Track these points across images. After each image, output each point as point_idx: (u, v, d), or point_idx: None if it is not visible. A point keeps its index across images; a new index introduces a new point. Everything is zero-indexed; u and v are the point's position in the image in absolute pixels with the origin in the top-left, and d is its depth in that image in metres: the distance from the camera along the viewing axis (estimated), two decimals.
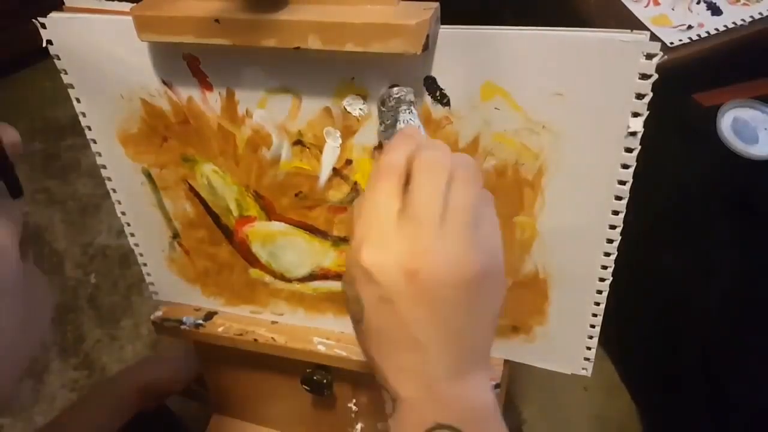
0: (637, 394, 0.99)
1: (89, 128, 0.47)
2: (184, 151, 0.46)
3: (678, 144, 0.75)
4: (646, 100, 0.34)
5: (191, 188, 0.48)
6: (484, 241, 0.30)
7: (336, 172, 0.43)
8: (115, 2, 0.42)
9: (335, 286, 0.49)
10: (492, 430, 0.31)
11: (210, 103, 0.43)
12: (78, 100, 0.46)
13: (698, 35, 0.71)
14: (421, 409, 0.30)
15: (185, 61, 0.41)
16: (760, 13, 0.72)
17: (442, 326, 0.30)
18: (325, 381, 0.54)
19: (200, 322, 0.55)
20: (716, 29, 0.72)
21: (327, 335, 0.52)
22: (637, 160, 0.36)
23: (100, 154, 0.49)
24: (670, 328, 0.86)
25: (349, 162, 0.42)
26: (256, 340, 0.52)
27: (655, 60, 0.33)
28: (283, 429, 0.65)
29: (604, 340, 0.46)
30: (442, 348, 0.30)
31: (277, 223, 0.47)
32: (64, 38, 0.43)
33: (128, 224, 0.53)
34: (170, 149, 0.46)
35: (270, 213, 0.47)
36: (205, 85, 0.42)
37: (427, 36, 0.34)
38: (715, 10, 0.74)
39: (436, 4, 0.35)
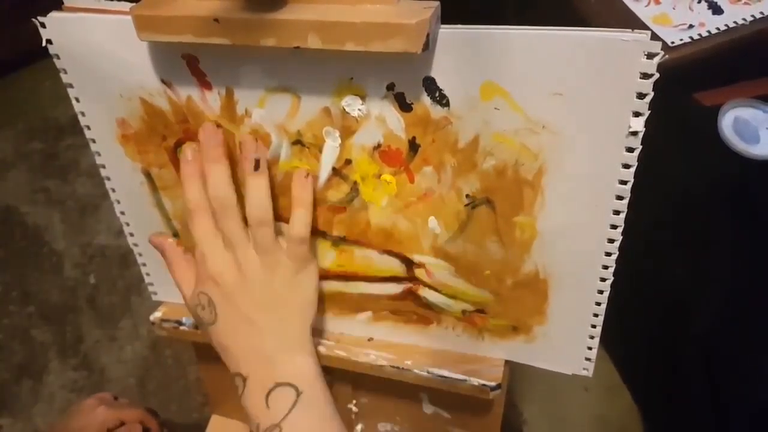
0: (637, 395, 0.99)
1: (88, 128, 0.47)
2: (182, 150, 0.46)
3: (679, 143, 0.74)
4: (647, 99, 0.34)
5: None
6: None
7: (335, 172, 0.43)
8: (115, 2, 0.41)
9: (335, 286, 0.49)
10: (319, 387, 0.43)
11: (209, 102, 0.43)
12: (77, 100, 0.46)
13: (699, 34, 0.71)
14: (263, 376, 0.41)
15: (184, 61, 0.41)
16: (762, 13, 0.72)
17: (267, 313, 0.43)
18: None
19: None
20: (717, 28, 0.72)
21: (327, 336, 0.52)
22: (637, 160, 0.36)
23: (99, 154, 0.49)
24: (671, 328, 0.85)
25: (348, 162, 0.42)
26: None
27: (656, 59, 0.33)
28: None
29: (605, 340, 0.46)
30: (272, 330, 0.43)
31: (277, 222, 0.47)
32: (63, 38, 0.43)
33: (127, 224, 0.53)
34: (170, 148, 0.46)
35: None
36: (204, 84, 0.42)
37: (428, 35, 0.33)
38: (716, 10, 0.74)
39: (437, 4, 0.34)
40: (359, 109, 0.40)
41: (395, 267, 0.47)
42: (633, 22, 0.74)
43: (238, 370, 0.42)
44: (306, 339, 0.44)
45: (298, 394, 0.40)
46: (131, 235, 0.53)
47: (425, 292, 0.47)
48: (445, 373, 0.49)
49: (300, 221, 0.43)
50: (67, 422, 0.58)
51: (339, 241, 0.47)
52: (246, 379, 0.42)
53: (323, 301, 0.51)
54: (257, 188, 0.42)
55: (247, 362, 0.42)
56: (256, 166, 0.42)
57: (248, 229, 0.43)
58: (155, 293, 0.57)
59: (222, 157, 0.42)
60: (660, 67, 0.33)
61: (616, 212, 0.38)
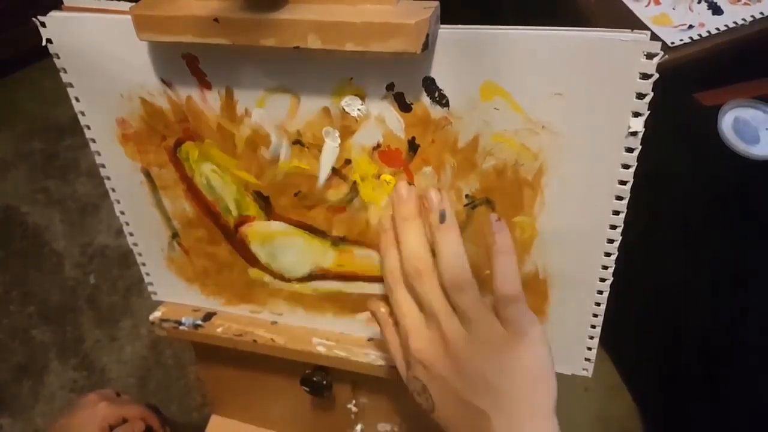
0: (637, 395, 0.99)
1: (88, 127, 0.47)
2: (182, 150, 0.46)
3: (679, 144, 0.74)
4: (647, 99, 0.34)
5: (190, 188, 0.48)
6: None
7: (335, 171, 0.43)
8: (115, 1, 0.41)
9: (335, 286, 0.49)
10: None
11: (209, 102, 0.43)
12: (77, 99, 0.46)
13: (699, 35, 0.71)
14: None
15: (184, 60, 0.41)
16: (761, 13, 0.72)
17: (488, 395, 0.36)
18: (324, 382, 0.54)
19: (199, 322, 0.55)
20: (717, 29, 0.72)
21: (327, 336, 0.52)
22: (637, 160, 0.36)
23: (99, 153, 0.49)
24: (671, 328, 0.85)
25: (348, 162, 0.42)
26: (255, 341, 0.52)
27: (656, 60, 0.33)
28: (282, 430, 0.65)
29: (605, 340, 0.46)
30: (497, 414, 0.35)
31: (276, 222, 0.47)
32: (63, 37, 0.43)
33: (127, 224, 0.53)
34: (169, 148, 0.46)
35: (269, 213, 0.47)
36: (204, 84, 0.42)
37: (427, 35, 0.33)
38: (716, 10, 0.74)
39: (436, 4, 0.34)
40: (359, 109, 0.40)
41: None
42: (633, 22, 0.74)
43: None
44: (542, 416, 0.36)
45: None
46: (131, 234, 0.53)
47: None
48: None
49: (507, 274, 0.37)
50: (68, 417, 0.58)
51: (339, 241, 0.47)
52: None
53: (323, 300, 0.51)
54: (449, 244, 0.37)
55: None
56: (442, 219, 0.37)
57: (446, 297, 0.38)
58: (155, 293, 0.57)
59: (417, 215, 0.38)
60: (660, 68, 0.33)
61: (616, 212, 0.38)
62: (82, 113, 0.47)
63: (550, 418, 0.36)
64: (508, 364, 0.36)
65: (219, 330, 0.54)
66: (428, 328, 0.38)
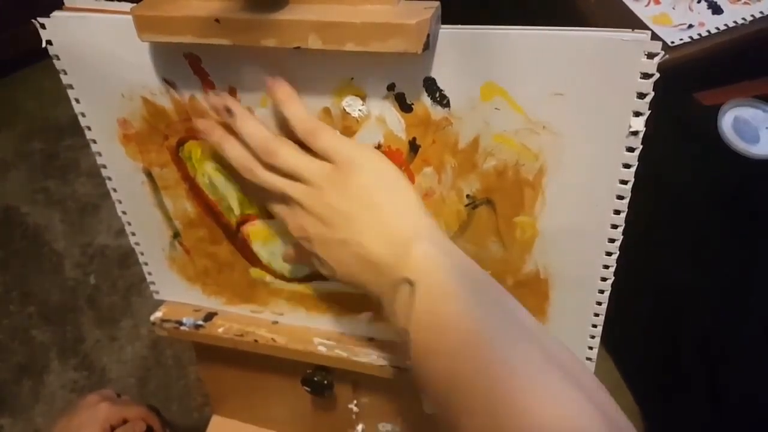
0: (638, 394, 0.99)
1: (89, 128, 0.47)
2: (185, 149, 0.46)
3: (679, 143, 0.74)
4: (648, 99, 0.34)
5: (192, 187, 0.48)
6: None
7: None
8: (115, 2, 0.41)
9: (336, 286, 0.49)
10: (439, 268, 0.35)
11: None
12: (77, 101, 0.46)
13: (699, 34, 0.71)
14: (385, 287, 0.37)
15: (186, 60, 0.41)
16: (761, 12, 0.72)
17: (353, 226, 0.37)
18: (325, 382, 0.54)
19: (200, 323, 0.55)
20: (717, 28, 0.72)
21: (327, 336, 0.52)
22: (638, 160, 0.36)
23: (100, 154, 0.49)
24: (671, 328, 0.86)
25: None
26: (256, 341, 0.52)
27: (656, 59, 0.33)
28: (283, 430, 0.65)
29: (606, 340, 0.46)
30: (369, 237, 0.37)
31: (278, 222, 0.47)
32: (64, 38, 0.43)
33: (129, 224, 0.53)
34: (171, 148, 0.46)
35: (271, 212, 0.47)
36: (207, 83, 0.42)
37: (428, 35, 0.33)
38: (716, 9, 0.74)
39: (437, 4, 0.34)
40: (360, 110, 0.40)
41: None
42: (633, 22, 0.74)
43: (375, 295, 0.38)
44: (410, 225, 0.37)
45: (412, 286, 0.35)
46: (133, 234, 0.53)
47: None
48: None
49: (297, 114, 0.39)
50: (69, 418, 0.58)
51: None
52: (381, 299, 0.38)
53: (324, 300, 0.51)
54: (245, 125, 0.40)
55: (372, 282, 0.38)
56: (230, 112, 0.40)
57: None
58: (157, 292, 0.57)
59: (243, 110, 0.40)
60: (660, 67, 0.33)
61: (617, 212, 0.39)
62: (83, 114, 0.47)
63: (418, 215, 0.38)
64: (350, 190, 0.37)
65: (220, 330, 0.54)
66: (290, 207, 0.40)
